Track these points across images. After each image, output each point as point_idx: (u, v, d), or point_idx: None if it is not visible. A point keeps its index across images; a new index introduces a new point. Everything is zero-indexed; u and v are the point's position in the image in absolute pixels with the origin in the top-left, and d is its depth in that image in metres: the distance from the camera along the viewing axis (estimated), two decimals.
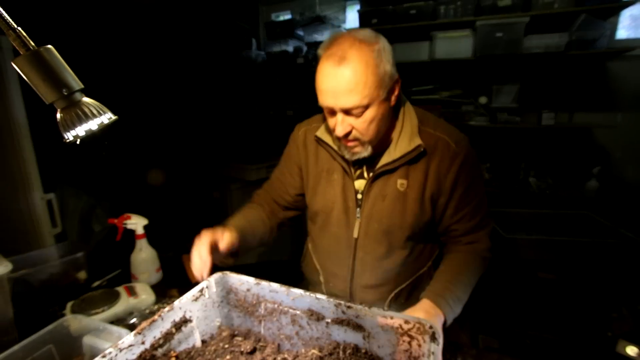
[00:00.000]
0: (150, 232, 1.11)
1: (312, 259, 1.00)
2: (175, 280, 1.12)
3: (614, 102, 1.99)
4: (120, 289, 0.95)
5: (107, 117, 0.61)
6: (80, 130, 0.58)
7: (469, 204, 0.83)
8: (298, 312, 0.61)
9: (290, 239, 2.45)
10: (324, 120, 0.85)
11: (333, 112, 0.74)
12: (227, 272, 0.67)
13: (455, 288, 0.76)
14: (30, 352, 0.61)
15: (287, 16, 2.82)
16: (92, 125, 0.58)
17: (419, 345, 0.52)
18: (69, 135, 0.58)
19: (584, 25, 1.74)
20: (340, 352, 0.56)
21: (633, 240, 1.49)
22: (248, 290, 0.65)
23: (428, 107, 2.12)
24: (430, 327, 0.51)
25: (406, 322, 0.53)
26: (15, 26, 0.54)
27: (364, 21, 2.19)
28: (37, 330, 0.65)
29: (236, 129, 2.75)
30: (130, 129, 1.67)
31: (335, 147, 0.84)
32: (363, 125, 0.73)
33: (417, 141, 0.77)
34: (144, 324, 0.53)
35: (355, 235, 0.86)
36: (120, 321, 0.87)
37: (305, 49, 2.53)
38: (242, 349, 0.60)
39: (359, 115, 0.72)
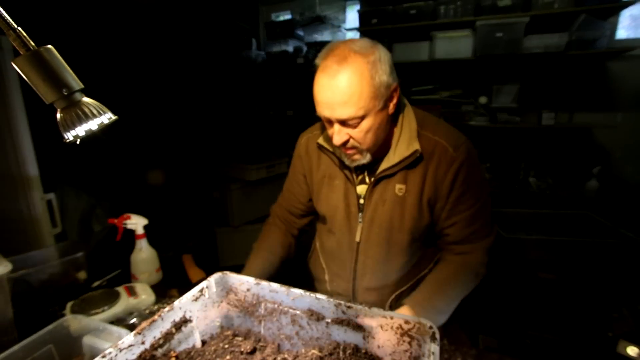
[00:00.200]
0: (150, 232, 1.11)
1: (318, 257, 1.03)
2: (175, 280, 1.12)
3: (614, 102, 1.98)
4: (120, 289, 0.95)
5: (107, 117, 0.60)
6: (80, 130, 0.58)
7: (465, 210, 0.81)
8: (298, 312, 0.61)
9: None
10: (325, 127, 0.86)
11: (331, 122, 0.75)
12: (227, 272, 0.67)
13: (437, 299, 0.77)
14: (30, 352, 0.61)
15: (287, 16, 2.83)
16: (92, 125, 0.58)
17: (419, 346, 0.52)
18: (69, 135, 0.58)
19: (583, 25, 1.74)
20: (340, 352, 0.56)
21: (633, 240, 1.49)
22: (248, 290, 0.65)
23: (428, 107, 2.12)
24: (431, 327, 0.51)
25: (406, 322, 0.53)
26: (15, 26, 0.54)
27: (364, 21, 2.19)
28: (37, 330, 0.65)
29: (236, 129, 2.75)
30: (130, 129, 1.67)
31: (337, 154, 0.86)
32: (360, 134, 0.74)
33: (415, 146, 0.78)
34: (144, 324, 0.53)
35: (357, 239, 0.88)
36: (120, 321, 0.87)
37: (305, 49, 2.53)
38: (242, 349, 0.60)
39: (355, 126, 0.73)
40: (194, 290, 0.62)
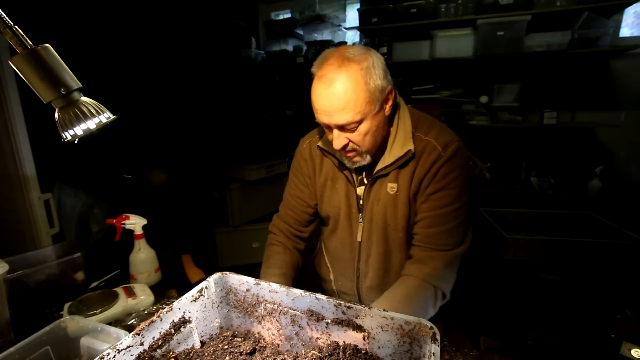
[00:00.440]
0: (149, 232, 1.10)
1: (323, 257, 1.05)
2: (174, 281, 1.12)
3: (617, 101, 1.97)
4: (119, 290, 0.94)
5: (106, 117, 0.60)
6: (79, 130, 0.57)
7: (435, 208, 0.80)
8: (298, 313, 0.60)
9: None
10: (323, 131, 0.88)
11: (330, 127, 0.78)
12: (227, 273, 0.66)
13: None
14: (27, 354, 0.61)
15: (286, 15, 2.82)
16: (91, 124, 0.58)
17: (420, 346, 0.51)
18: (67, 135, 0.58)
19: (586, 23, 1.73)
20: (340, 353, 0.56)
21: (636, 240, 1.48)
22: (248, 290, 0.64)
23: (429, 106, 2.12)
24: (431, 328, 0.50)
25: (407, 322, 0.52)
26: (13, 24, 0.53)
27: (364, 20, 2.18)
28: (34, 331, 0.64)
29: (236, 129, 2.75)
30: (129, 129, 1.66)
31: (337, 156, 0.88)
32: (358, 138, 0.77)
33: (409, 146, 0.80)
34: (143, 324, 0.52)
35: (358, 239, 0.91)
36: (118, 322, 0.86)
37: (305, 48, 2.53)
38: (241, 350, 0.59)
39: (353, 130, 0.76)
40: (193, 291, 0.62)
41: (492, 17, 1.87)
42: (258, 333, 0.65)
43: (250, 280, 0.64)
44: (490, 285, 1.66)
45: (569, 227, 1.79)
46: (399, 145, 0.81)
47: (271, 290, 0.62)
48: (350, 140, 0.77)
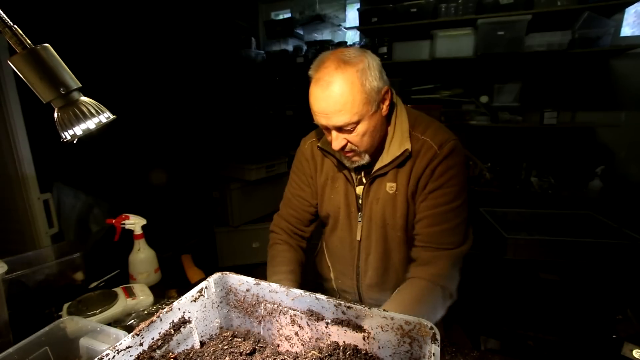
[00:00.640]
0: (148, 232, 1.10)
1: (324, 256, 1.06)
2: (174, 281, 1.11)
3: (617, 101, 1.97)
4: (118, 290, 0.94)
5: (105, 117, 0.60)
6: (78, 130, 0.57)
7: (435, 207, 0.81)
8: (298, 313, 0.60)
9: None
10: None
11: (328, 129, 0.79)
12: (227, 273, 0.66)
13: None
14: (25, 355, 0.61)
15: (286, 15, 2.82)
16: (90, 124, 0.58)
17: (420, 347, 0.51)
18: (67, 135, 0.57)
19: (587, 23, 1.73)
20: (340, 353, 0.55)
21: (637, 240, 1.48)
22: (247, 290, 0.64)
23: (429, 106, 2.11)
24: (431, 328, 0.50)
25: (407, 322, 0.52)
26: (12, 24, 0.53)
27: (364, 20, 2.18)
28: (32, 332, 0.64)
29: (236, 129, 2.75)
30: (128, 129, 1.66)
31: (337, 156, 0.89)
32: (356, 138, 0.78)
33: (406, 146, 0.81)
34: (142, 325, 0.52)
35: (358, 237, 0.92)
36: (118, 323, 0.86)
37: (305, 48, 2.52)
38: (241, 350, 0.59)
39: (351, 131, 0.77)
40: (193, 291, 0.61)
41: (492, 16, 1.86)
42: (258, 333, 0.65)
43: (250, 280, 0.64)
44: (490, 286, 1.66)
45: (570, 227, 1.78)
46: (397, 145, 0.82)
47: (271, 290, 0.62)
48: (348, 141, 0.78)
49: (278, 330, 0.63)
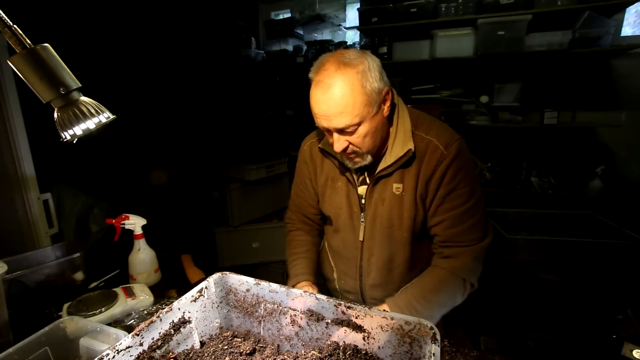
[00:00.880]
0: (148, 232, 1.10)
1: (327, 256, 1.07)
2: (174, 281, 1.11)
3: (618, 101, 1.97)
4: (118, 290, 0.94)
5: (105, 116, 0.60)
6: (78, 130, 0.57)
7: (452, 209, 0.82)
8: (298, 313, 0.60)
9: None
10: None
11: (330, 131, 0.79)
12: (227, 273, 0.66)
13: (419, 305, 0.79)
14: (25, 355, 0.61)
15: (286, 14, 2.82)
16: (90, 124, 0.58)
17: (420, 347, 0.51)
18: (67, 135, 0.57)
19: (587, 23, 1.72)
20: (341, 353, 0.55)
21: (637, 240, 1.48)
22: (248, 290, 0.64)
23: (429, 106, 2.11)
24: (431, 329, 0.50)
25: (407, 322, 0.52)
26: (11, 24, 0.53)
27: (364, 20, 2.18)
28: (32, 332, 0.64)
29: (236, 129, 2.74)
30: (128, 129, 1.66)
31: (338, 157, 0.89)
32: (358, 140, 0.78)
33: (409, 146, 0.81)
34: (142, 325, 0.52)
35: (360, 238, 0.92)
36: (118, 323, 0.86)
37: (305, 47, 2.52)
38: (241, 350, 0.59)
39: (353, 132, 0.77)
40: (193, 291, 0.61)
41: (492, 16, 1.86)
42: (258, 333, 0.65)
43: (250, 280, 0.64)
44: (490, 286, 1.65)
45: (570, 227, 1.78)
46: (400, 145, 0.82)
47: (271, 290, 0.62)
48: (350, 143, 0.78)
49: (278, 330, 0.63)
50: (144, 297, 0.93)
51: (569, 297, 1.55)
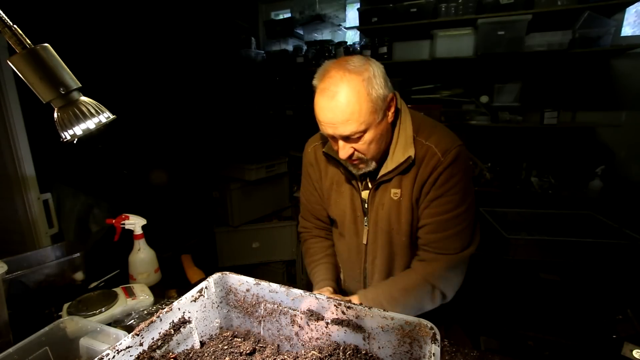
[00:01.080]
0: (148, 233, 1.10)
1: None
2: (174, 281, 1.11)
3: (618, 101, 1.96)
4: (118, 290, 0.94)
5: (105, 116, 0.60)
6: (78, 130, 0.57)
7: (438, 215, 0.82)
8: (298, 313, 0.60)
9: (291, 239, 2.44)
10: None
11: (335, 138, 0.79)
12: (227, 273, 0.66)
13: (386, 302, 0.82)
14: (25, 355, 0.61)
15: (286, 15, 2.81)
16: (90, 124, 0.58)
17: (420, 347, 0.51)
18: (67, 135, 0.57)
19: (587, 23, 1.72)
20: (341, 353, 0.55)
21: (637, 240, 1.48)
22: (248, 290, 0.64)
23: (429, 106, 2.11)
24: (431, 329, 0.50)
25: (407, 323, 0.52)
26: (11, 24, 0.53)
27: (364, 20, 2.18)
28: (32, 332, 0.64)
29: (235, 129, 2.74)
30: (128, 129, 1.66)
31: (342, 163, 0.89)
32: (363, 147, 0.78)
33: (410, 152, 0.81)
34: (142, 325, 0.52)
35: (364, 241, 0.93)
36: (118, 323, 0.86)
37: (305, 47, 2.52)
38: (241, 350, 0.59)
39: (358, 140, 0.77)
40: (193, 291, 0.61)
41: (492, 16, 1.86)
42: (258, 333, 0.65)
43: (250, 280, 0.64)
44: (490, 286, 1.65)
45: (570, 227, 1.78)
46: (401, 151, 0.82)
47: (271, 290, 0.62)
48: (355, 150, 0.78)
49: (278, 330, 0.63)
50: (144, 297, 0.93)
51: (569, 297, 1.55)
